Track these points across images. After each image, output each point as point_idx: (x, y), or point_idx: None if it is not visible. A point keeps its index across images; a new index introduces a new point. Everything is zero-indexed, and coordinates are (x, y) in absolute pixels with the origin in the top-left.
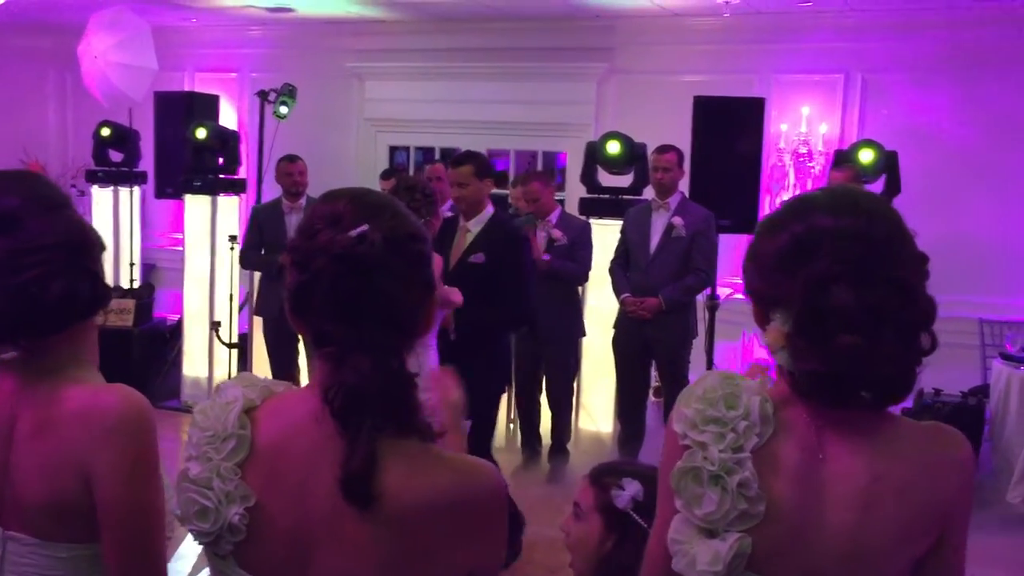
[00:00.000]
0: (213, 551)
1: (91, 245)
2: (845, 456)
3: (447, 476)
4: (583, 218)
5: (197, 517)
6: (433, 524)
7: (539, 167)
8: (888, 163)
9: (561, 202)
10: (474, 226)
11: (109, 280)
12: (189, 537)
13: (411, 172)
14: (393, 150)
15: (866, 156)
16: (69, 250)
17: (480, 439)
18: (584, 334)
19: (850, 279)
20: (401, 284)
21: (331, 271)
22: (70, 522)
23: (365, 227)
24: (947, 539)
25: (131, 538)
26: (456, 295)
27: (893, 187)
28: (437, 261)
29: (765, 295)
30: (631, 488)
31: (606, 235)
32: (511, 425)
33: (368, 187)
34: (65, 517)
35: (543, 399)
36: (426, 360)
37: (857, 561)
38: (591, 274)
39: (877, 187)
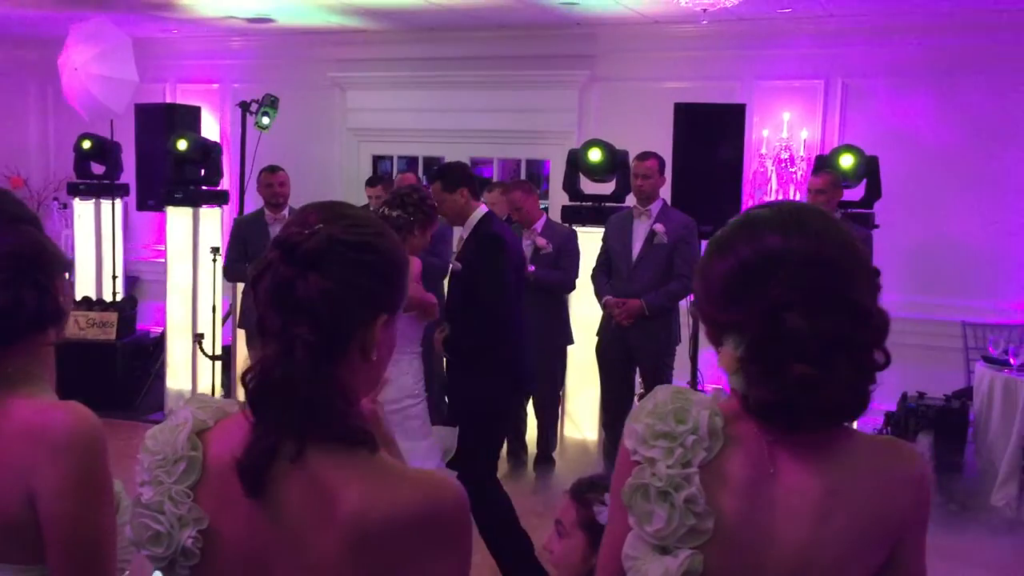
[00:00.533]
0: (170, 575)
1: (46, 261)
2: (797, 471)
3: (411, 492)
4: (569, 226)
5: (150, 542)
6: (397, 542)
7: (523, 175)
8: (869, 168)
9: (545, 210)
10: (465, 235)
11: (91, 293)
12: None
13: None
14: (376, 159)
15: (847, 161)
16: (19, 262)
17: (477, 457)
18: (571, 342)
19: (803, 306)
20: (332, 282)
21: (276, 260)
22: (15, 543)
23: (319, 226)
24: (902, 555)
25: (78, 561)
26: (429, 298)
27: (874, 191)
28: (415, 264)
29: (716, 320)
30: None
31: (588, 243)
32: None
33: (350, 201)
34: (10, 537)
35: (529, 408)
36: (410, 368)
37: None
38: (576, 282)
39: (858, 192)
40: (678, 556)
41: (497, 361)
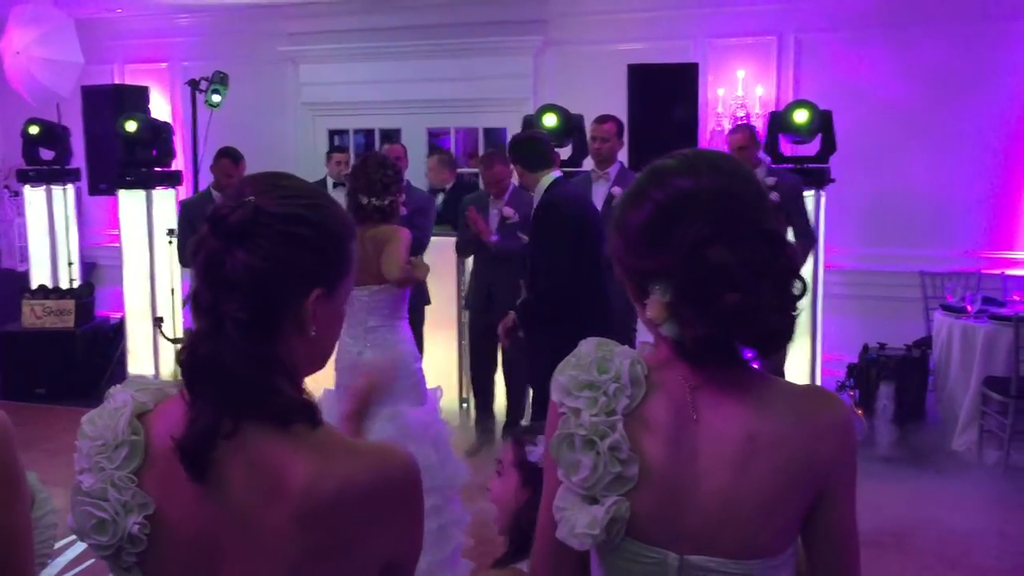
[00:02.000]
0: (116, 564)
1: None
2: (719, 416)
3: (359, 465)
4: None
5: (94, 530)
6: (347, 514)
7: (480, 144)
8: (823, 122)
9: None
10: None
11: (47, 281)
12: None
13: (352, 155)
14: (332, 133)
15: (801, 116)
16: None
17: None
18: None
19: (724, 238)
20: (260, 257)
21: (207, 234)
22: None
23: (251, 198)
24: (831, 498)
25: None
26: (422, 271)
27: (829, 146)
28: (405, 234)
29: (638, 270)
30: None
31: None
32: (464, 404)
33: (290, 172)
34: None
35: (498, 377)
36: (407, 334)
37: (734, 521)
38: None
39: (813, 147)
40: (604, 503)
41: (586, 315)
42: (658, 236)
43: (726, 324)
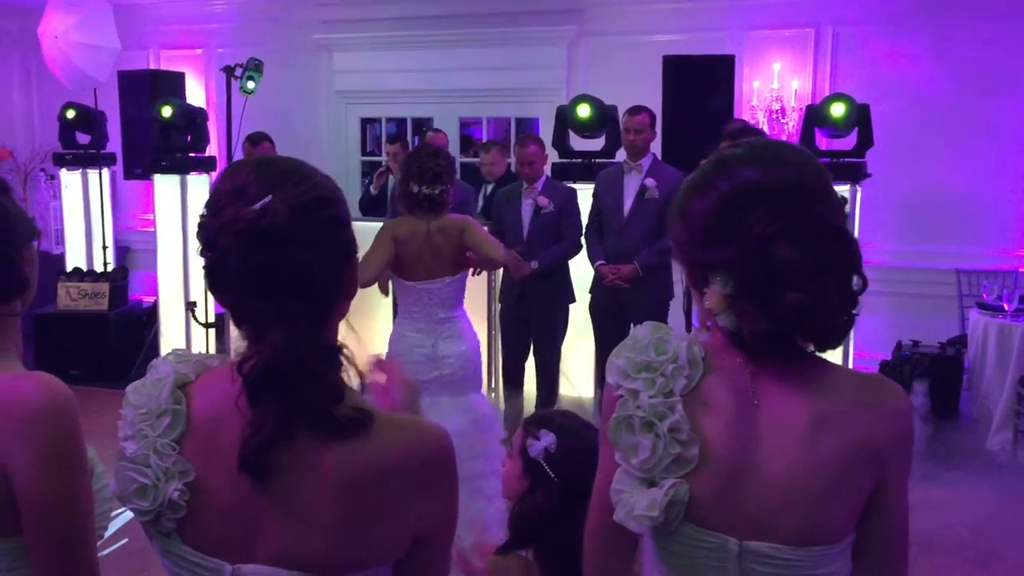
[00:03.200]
0: (156, 530)
1: (9, 228)
2: (781, 401)
3: (395, 438)
4: (569, 185)
5: (136, 495)
6: (382, 487)
7: (512, 134)
8: (860, 116)
9: None
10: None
11: (81, 264)
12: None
13: (384, 144)
14: (365, 122)
15: (838, 110)
16: None
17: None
18: (573, 300)
19: (790, 234)
20: (311, 253)
21: (238, 248)
22: None
23: (268, 198)
24: (887, 489)
25: (56, 530)
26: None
27: (865, 140)
28: (479, 227)
29: (701, 261)
30: (545, 439)
31: (579, 199)
32: (492, 393)
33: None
34: None
35: (529, 366)
36: (460, 329)
37: (795, 506)
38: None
39: (850, 141)
40: (663, 486)
41: None
42: (722, 228)
43: (786, 321)
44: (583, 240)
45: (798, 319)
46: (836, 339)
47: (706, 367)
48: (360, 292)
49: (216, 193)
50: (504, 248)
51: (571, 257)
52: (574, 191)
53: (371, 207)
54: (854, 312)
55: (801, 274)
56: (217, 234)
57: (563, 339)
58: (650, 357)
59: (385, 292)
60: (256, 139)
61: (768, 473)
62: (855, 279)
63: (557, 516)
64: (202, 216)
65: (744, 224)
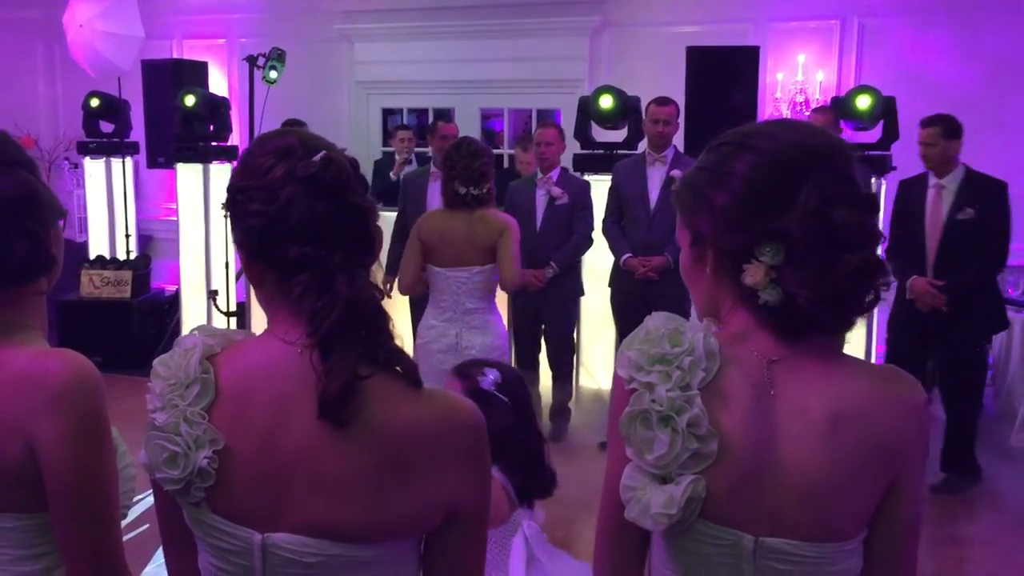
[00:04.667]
0: (185, 499)
1: (37, 206)
2: (799, 392)
3: (428, 408)
4: (583, 177)
5: (166, 464)
6: (413, 454)
7: (534, 125)
8: (886, 109)
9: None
10: None
11: (104, 252)
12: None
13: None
14: (386, 112)
15: (863, 102)
16: (9, 207)
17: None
18: (583, 293)
19: (844, 199)
20: (364, 204)
21: (303, 197)
22: (15, 491)
23: (324, 151)
24: (903, 484)
25: (81, 506)
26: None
27: (891, 133)
28: (516, 229)
29: (753, 229)
30: (491, 374)
31: (600, 189)
32: None
33: (359, 155)
34: (11, 487)
35: (542, 358)
36: (487, 321)
37: (812, 501)
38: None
39: (875, 134)
40: (680, 483)
41: None
42: (777, 193)
43: (844, 286)
44: (596, 234)
45: (857, 282)
46: (868, 308)
47: (722, 359)
48: None
49: (255, 157)
50: (520, 275)
51: (584, 252)
52: (588, 184)
53: (387, 196)
54: (887, 281)
55: (857, 237)
56: (278, 186)
57: (575, 331)
58: (665, 349)
59: (420, 292)
60: (295, 124)
61: (785, 468)
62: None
63: (513, 433)
64: (241, 180)
65: (803, 188)
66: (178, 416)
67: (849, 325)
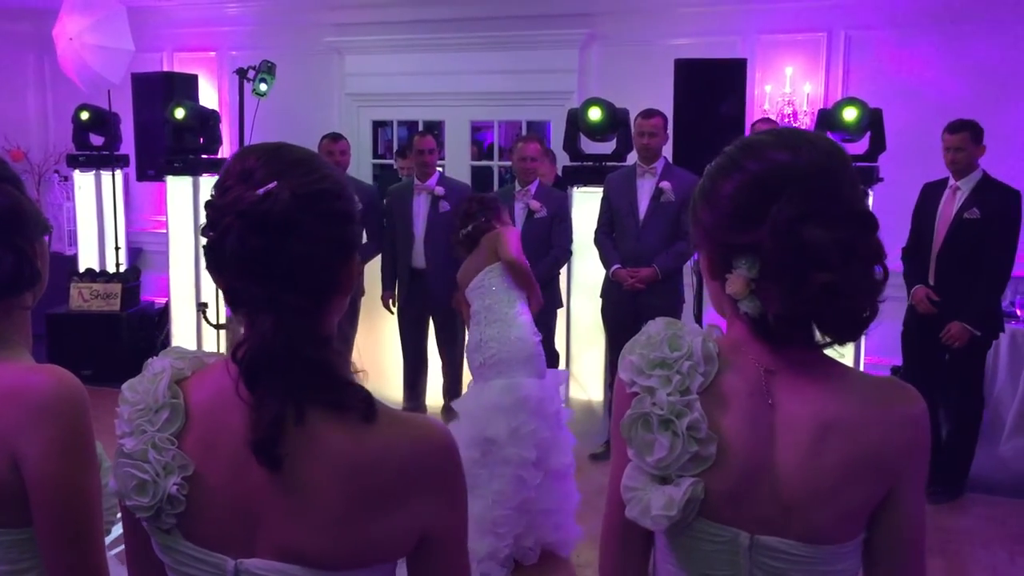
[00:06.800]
0: (156, 526)
1: (23, 222)
2: (795, 401)
3: (400, 433)
4: (561, 191)
5: (135, 491)
6: (386, 481)
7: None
8: (873, 120)
9: None
10: None
11: (94, 265)
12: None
13: (396, 147)
14: (377, 125)
15: (850, 114)
16: None
17: None
18: (561, 305)
19: (820, 216)
20: (309, 243)
21: (237, 229)
22: (1, 507)
23: (273, 184)
24: (900, 494)
25: (65, 522)
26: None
27: (878, 145)
28: (514, 233)
29: (726, 243)
30: None
31: (589, 202)
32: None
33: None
34: None
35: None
36: (525, 310)
37: (806, 505)
38: (576, 245)
39: (862, 145)
40: (680, 485)
41: None
42: (751, 209)
43: (813, 304)
44: (575, 246)
45: (825, 302)
46: (858, 329)
47: (721, 364)
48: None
49: (225, 174)
50: (513, 255)
51: (562, 266)
52: (567, 196)
53: None
54: (879, 300)
55: (830, 256)
56: (220, 214)
57: (552, 344)
58: (664, 353)
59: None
60: (335, 137)
61: (780, 473)
62: (878, 268)
63: None
64: (210, 196)
65: (774, 205)
66: (147, 442)
67: (835, 342)
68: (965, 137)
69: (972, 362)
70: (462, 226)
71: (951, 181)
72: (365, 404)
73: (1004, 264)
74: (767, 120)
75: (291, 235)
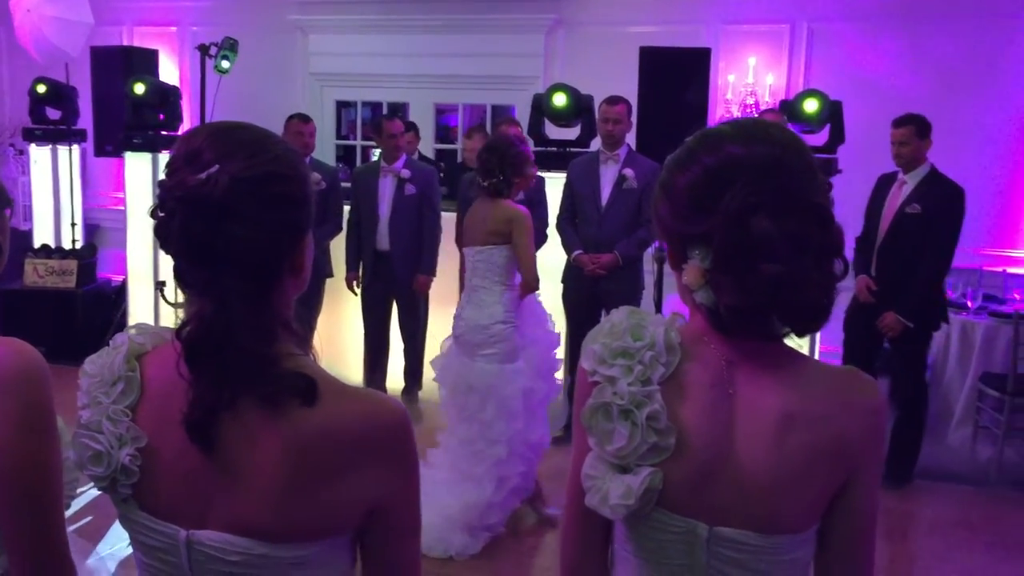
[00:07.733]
0: (113, 495)
1: None
2: (755, 391)
3: (347, 407)
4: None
5: (91, 462)
6: (334, 455)
7: (488, 121)
8: (833, 113)
9: None
10: None
11: (49, 241)
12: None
13: (360, 129)
14: (340, 105)
15: (811, 106)
16: None
17: None
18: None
19: (769, 209)
20: (251, 227)
21: (180, 213)
22: None
23: (215, 168)
24: (857, 482)
25: (25, 496)
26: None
27: (837, 136)
28: (530, 224)
29: (681, 233)
30: None
31: (553, 187)
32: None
33: (254, 125)
34: None
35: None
36: (501, 299)
37: (764, 496)
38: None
39: (821, 137)
40: (639, 474)
41: None
42: (704, 201)
43: (762, 295)
44: (551, 230)
45: (773, 293)
46: (814, 321)
47: (683, 354)
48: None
49: (173, 156)
50: (534, 275)
51: (541, 245)
52: (542, 180)
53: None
54: (833, 293)
55: (778, 248)
56: (168, 196)
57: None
58: (627, 343)
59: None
60: (305, 119)
61: (740, 462)
62: (836, 262)
63: None
64: (165, 171)
65: (725, 197)
66: (102, 414)
67: (776, 339)
68: (910, 131)
69: (912, 350)
70: (483, 179)
71: (900, 175)
72: (304, 393)
73: (941, 260)
74: (771, 112)
75: (231, 219)
